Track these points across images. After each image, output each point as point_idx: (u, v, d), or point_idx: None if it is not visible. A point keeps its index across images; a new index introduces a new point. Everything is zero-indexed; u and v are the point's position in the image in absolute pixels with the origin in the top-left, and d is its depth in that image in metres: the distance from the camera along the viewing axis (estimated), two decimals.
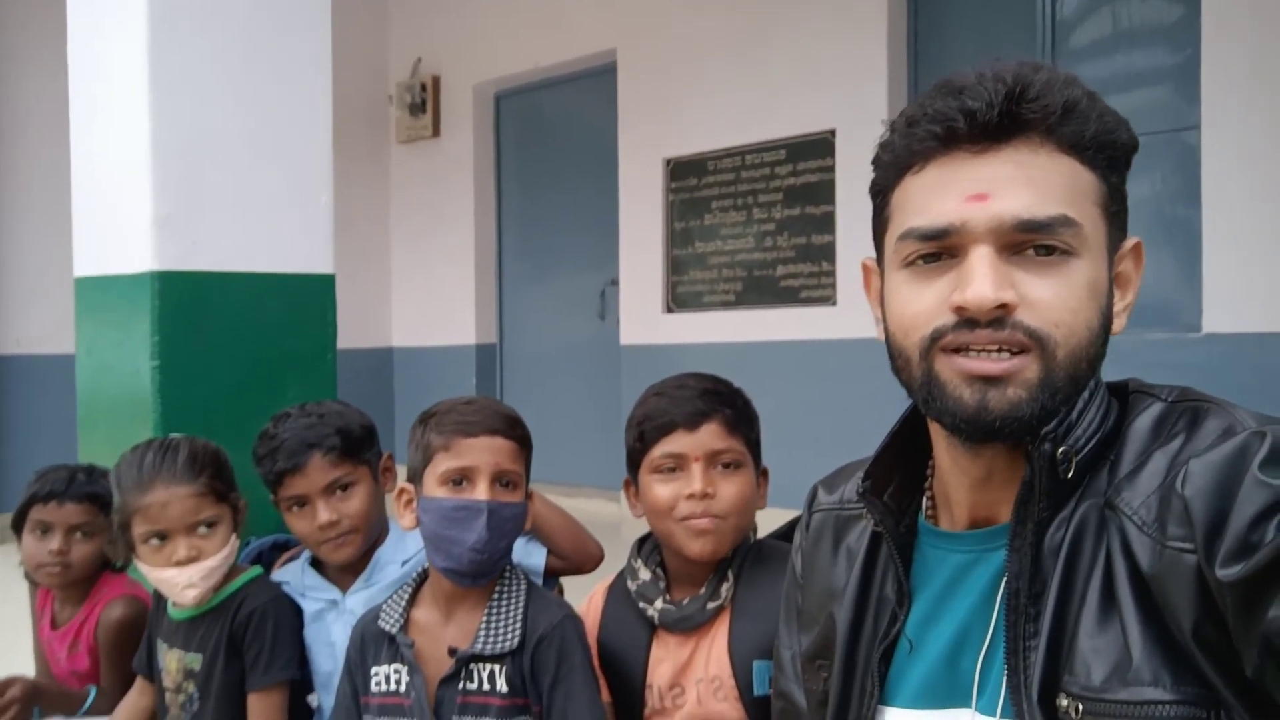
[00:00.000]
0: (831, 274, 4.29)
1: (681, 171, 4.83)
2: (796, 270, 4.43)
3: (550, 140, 5.63)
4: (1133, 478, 0.75)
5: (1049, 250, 0.76)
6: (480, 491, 1.34)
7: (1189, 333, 3.48)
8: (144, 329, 2.26)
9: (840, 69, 4.20)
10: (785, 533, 1.48)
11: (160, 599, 1.67)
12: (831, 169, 4.28)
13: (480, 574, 1.36)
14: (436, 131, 5.90)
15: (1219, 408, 0.75)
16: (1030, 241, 0.76)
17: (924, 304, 0.79)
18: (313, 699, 1.70)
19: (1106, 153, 0.78)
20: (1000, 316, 0.75)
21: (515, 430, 1.40)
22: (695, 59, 4.70)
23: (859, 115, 4.13)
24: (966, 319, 0.76)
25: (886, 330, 0.85)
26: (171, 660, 1.61)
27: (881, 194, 0.85)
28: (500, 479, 1.36)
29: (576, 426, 5.37)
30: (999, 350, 0.76)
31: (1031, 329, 0.75)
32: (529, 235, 5.75)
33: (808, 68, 4.30)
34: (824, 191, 4.30)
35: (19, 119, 4.64)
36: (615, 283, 5.17)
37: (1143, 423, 0.78)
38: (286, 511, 1.65)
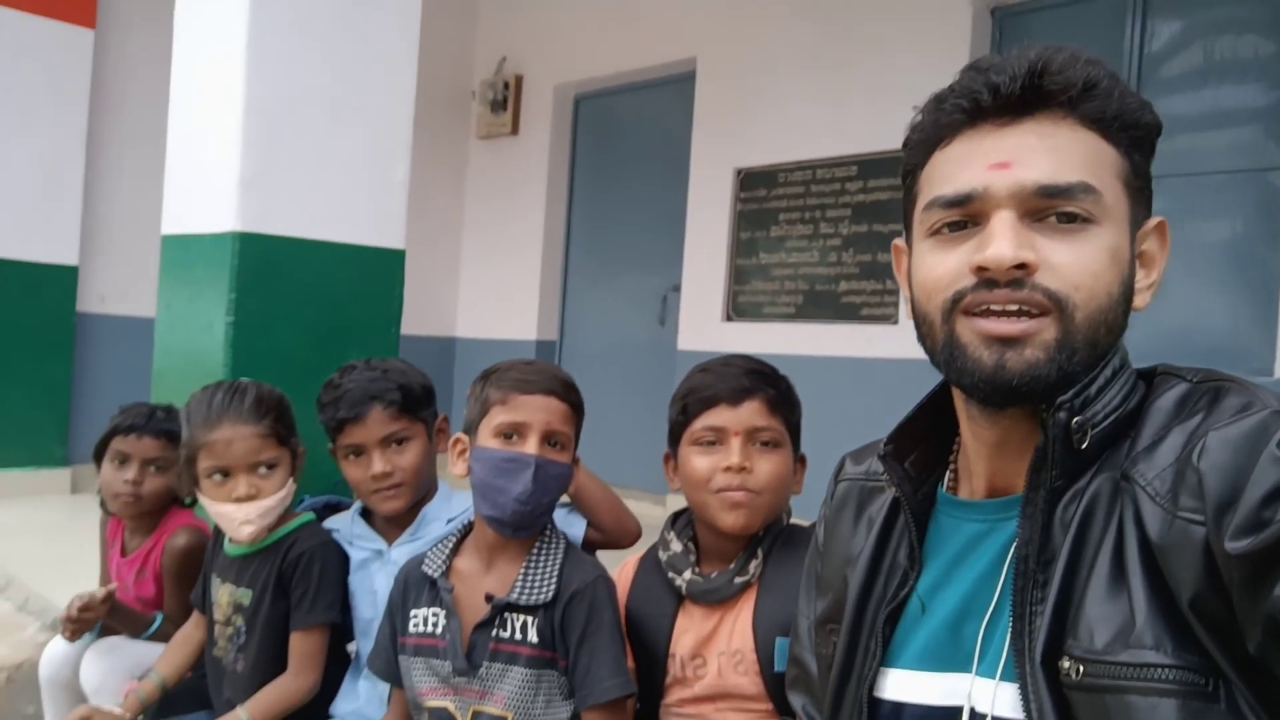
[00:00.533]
0: (895, 293, 4.27)
1: (751, 182, 4.85)
2: (859, 287, 4.42)
3: (625, 143, 5.70)
4: (1150, 451, 0.75)
5: (1070, 218, 0.78)
6: (530, 446, 1.39)
7: (1260, 376, 3.38)
8: (222, 286, 2.36)
9: (918, 89, 4.10)
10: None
11: (218, 537, 1.75)
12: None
13: (521, 525, 1.41)
14: (515, 129, 6.02)
15: (1240, 386, 0.76)
16: (1052, 208, 0.78)
17: (946, 267, 0.81)
18: (351, 647, 1.77)
19: (1129, 131, 0.81)
20: (1019, 278, 0.77)
21: (570, 394, 1.46)
22: (773, 71, 4.73)
23: None
24: (986, 279, 0.78)
25: (913, 300, 0.87)
26: (223, 594, 1.69)
27: (911, 174, 0.89)
28: (550, 438, 1.41)
29: (628, 428, 5.41)
30: (1018, 311, 0.77)
31: (1051, 290, 0.77)
32: (597, 236, 5.82)
33: (885, 86, 4.30)
34: (893, 210, 4.29)
35: (122, 85, 4.86)
36: (677, 289, 5.20)
37: (1165, 401, 0.79)
38: (343, 459, 1.71)
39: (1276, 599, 0.62)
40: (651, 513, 4.72)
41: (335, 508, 2.04)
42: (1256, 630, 0.65)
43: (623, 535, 1.72)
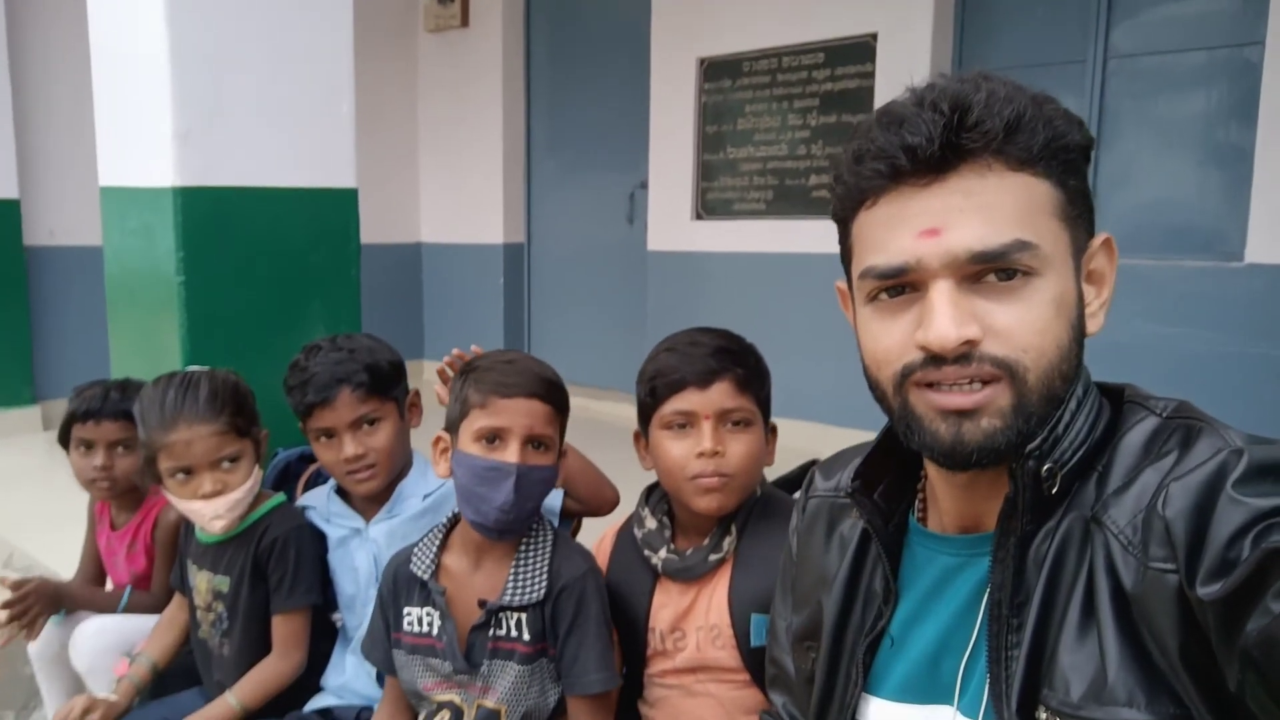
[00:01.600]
0: None
1: (715, 72, 4.68)
2: (830, 180, 4.32)
3: (582, 33, 5.45)
4: (1120, 494, 0.75)
5: (1009, 274, 0.75)
6: (510, 453, 1.35)
7: (1230, 261, 3.38)
8: (169, 243, 2.27)
9: None
10: (794, 478, 1.50)
11: (189, 522, 1.73)
12: (871, 75, 4.12)
13: (506, 531, 1.39)
14: (465, 20, 5.73)
15: (1211, 429, 0.75)
16: (989, 270, 0.75)
17: (891, 340, 0.79)
18: (336, 617, 1.78)
19: (1060, 158, 0.77)
20: (966, 352, 0.75)
21: (552, 394, 1.41)
22: None
23: (902, 19, 3.95)
24: (933, 356, 0.76)
25: (863, 363, 0.84)
26: (201, 581, 1.69)
27: (842, 223, 0.85)
28: (532, 441, 1.37)
29: (602, 330, 5.39)
30: (970, 382, 0.76)
31: (999, 358, 0.75)
32: (558, 133, 5.64)
33: None
34: (862, 98, 4.16)
35: (42, 7, 4.56)
36: (644, 185, 5.09)
37: (1134, 438, 0.78)
38: (314, 441, 1.68)
39: (1249, 634, 0.63)
40: (628, 413, 4.71)
41: (310, 458, 2.02)
42: (1235, 668, 0.65)
43: (601, 504, 1.72)
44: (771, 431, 1.44)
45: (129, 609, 1.95)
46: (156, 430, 1.55)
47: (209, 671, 1.71)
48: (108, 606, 1.95)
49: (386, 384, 1.67)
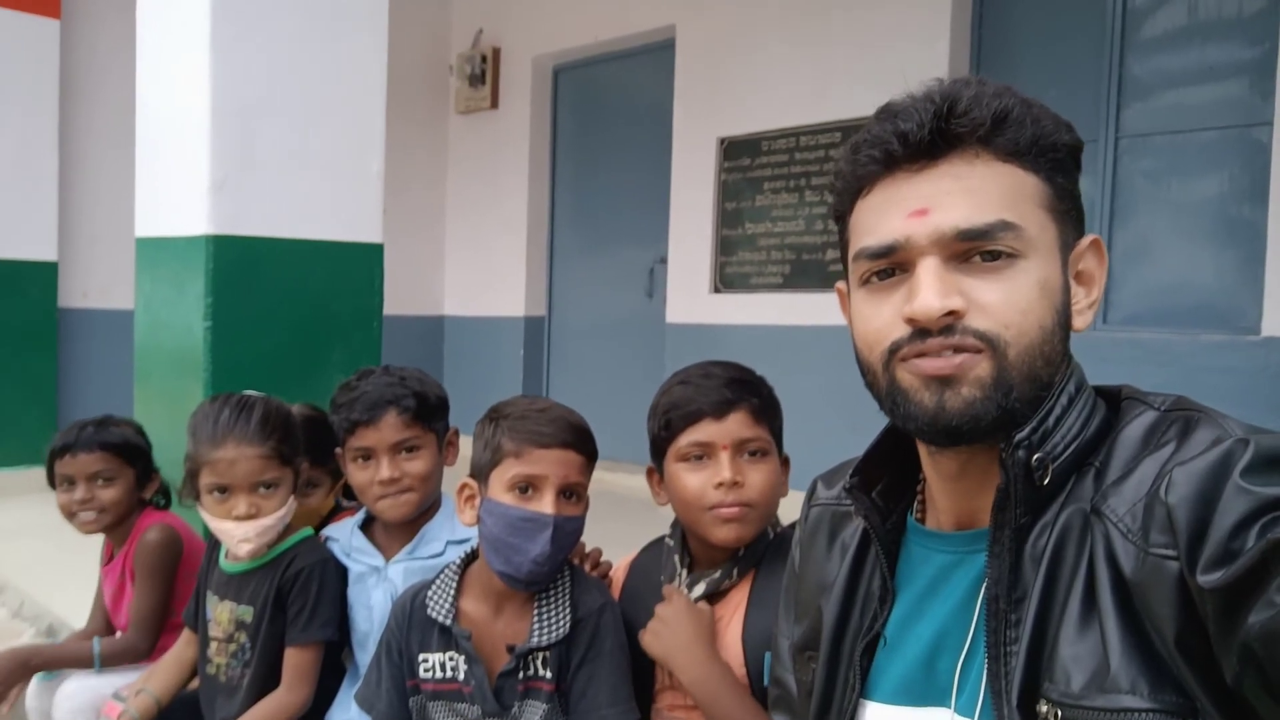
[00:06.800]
0: None
1: (735, 151, 4.80)
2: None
3: (606, 115, 5.63)
4: (1119, 484, 0.75)
5: (994, 255, 0.78)
6: (546, 504, 1.34)
7: (1247, 335, 3.38)
8: (198, 290, 2.34)
9: (900, 51, 4.14)
10: None
11: (210, 553, 1.74)
12: None
13: (535, 582, 1.37)
14: (495, 103, 5.94)
15: (1210, 418, 0.75)
16: (975, 249, 0.78)
17: (882, 319, 0.81)
18: (346, 656, 1.77)
19: (1048, 155, 0.80)
20: (950, 324, 0.77)
21: (586, 444, 1.41)
22: (753, 38, 4.66)
23: None
24: (919, 329, 0.78)
25: (855, 349, 0.87)
26: (223, 612, 1.68)
27: (840, 219, 0.89)
28: (566, 491, 1.37)
29: (621, 403, 5.39)
30: (953, 351, 0.78)
31: (981, 331, 0.77)
32: (582, 209, 5.77)
33: (867, 49, 4.24)
34: None
35: (91, 80, 4.77)
36: (664, 260, 5.17)
37: (1133, 430, 0.78)
38: (351, 462, 1.69)
39: (1250, 627, 0.62)
40: (646, 486, 4.70)
41: None
42: (1233, 660, 0.64)
43: None
44: (784, 462, 1.44)
45: (104, 659, 1.92)
46: (205, 445, 1.57)
47: (212, 708, 1.69)
48: (81, 656, 1.93)
49: (431, 414, 1.70)
